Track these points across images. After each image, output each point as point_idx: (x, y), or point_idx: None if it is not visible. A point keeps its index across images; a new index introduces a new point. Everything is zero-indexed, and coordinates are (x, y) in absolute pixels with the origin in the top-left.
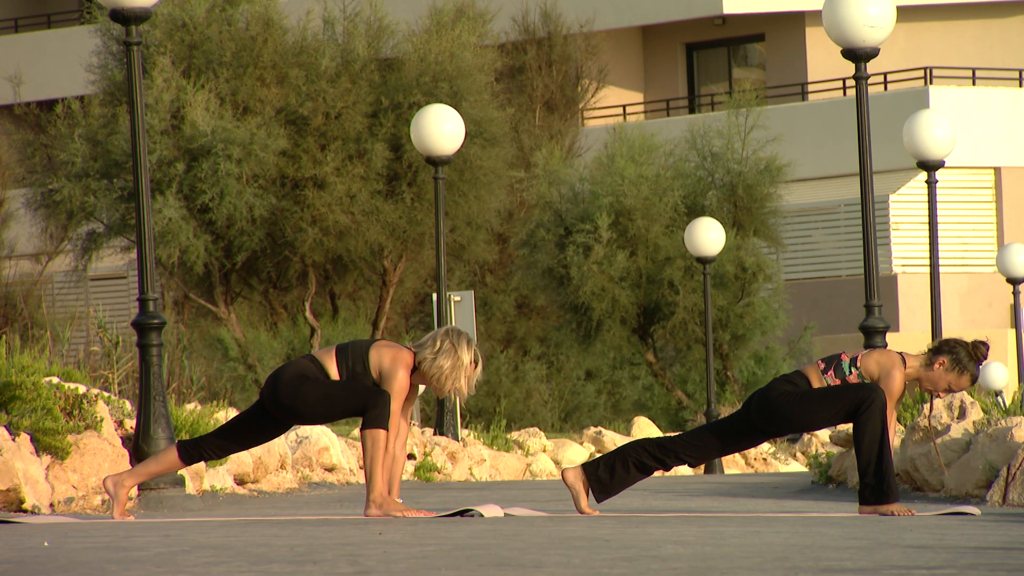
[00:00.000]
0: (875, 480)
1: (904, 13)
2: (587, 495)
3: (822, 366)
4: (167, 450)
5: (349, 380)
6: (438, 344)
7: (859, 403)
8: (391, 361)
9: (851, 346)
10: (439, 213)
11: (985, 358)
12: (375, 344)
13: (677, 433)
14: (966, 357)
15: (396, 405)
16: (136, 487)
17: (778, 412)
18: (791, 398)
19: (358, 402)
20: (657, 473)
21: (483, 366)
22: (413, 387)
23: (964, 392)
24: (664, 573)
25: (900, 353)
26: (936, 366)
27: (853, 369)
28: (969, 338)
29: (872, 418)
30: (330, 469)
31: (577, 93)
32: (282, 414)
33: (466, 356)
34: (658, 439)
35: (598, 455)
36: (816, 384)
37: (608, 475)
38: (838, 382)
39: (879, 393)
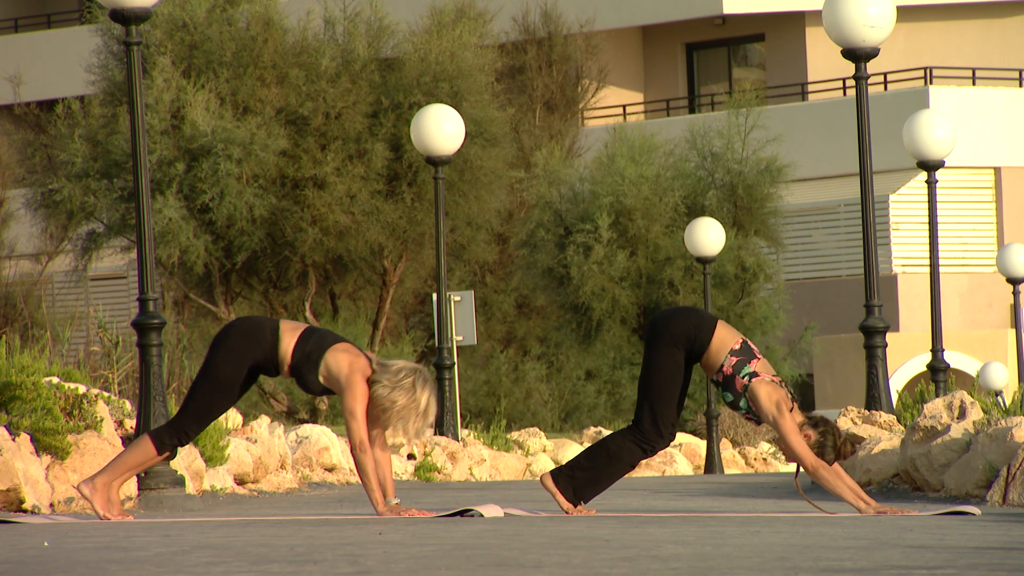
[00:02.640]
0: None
1: (904, 13)
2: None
3: (737, 347)
4: (140, 440)
5: (295, 364)
6: (400, 376)
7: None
8: (348, 368)
9: (851, 347)
10: (439, 213)
11: (847, 457)
12: (333, 348)
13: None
14: (830, 447)
15: (360, 410)
16: (137, 486)
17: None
18: (656, 362)
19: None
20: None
21: (433, 423)
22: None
23: (964, 392)
24: (664, 573)
25: (789, 391)
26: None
27: (747, 379)
28: (966, 340)
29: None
30: (330, 469)
31: (577, 93)
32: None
33: (423, 401)
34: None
35: None
36: (718, 338)
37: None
38: (730, 372)
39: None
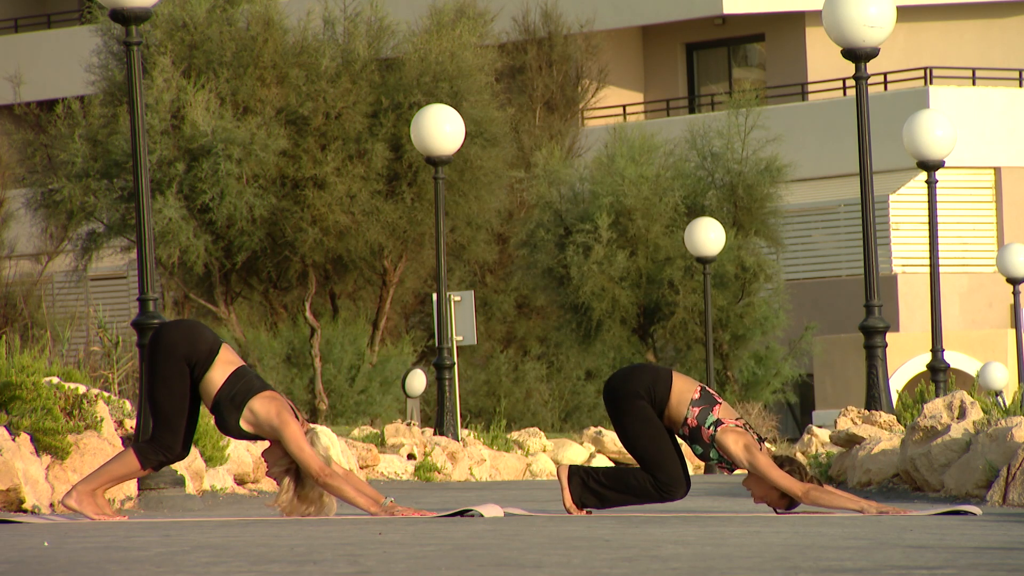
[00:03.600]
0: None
1: (904, 13)
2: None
3: (696, 396)
4: (124, 453)
5: (216, 403)
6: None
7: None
8: (276, 411)
9: (851, 347)
10: (439, 213)
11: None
12: (261, 395)
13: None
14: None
15: (304, 442)
16: (137, 486)
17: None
18: (634, 425)
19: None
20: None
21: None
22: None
23: (964, 392)
24: (664, 573)
25: (755, 434)
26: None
27: (713, 429)
28: (966, 340)
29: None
30: None
31: (577, 93)
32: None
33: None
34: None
35: (598, 455)
36: (676, 392)
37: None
38: (695, 424)
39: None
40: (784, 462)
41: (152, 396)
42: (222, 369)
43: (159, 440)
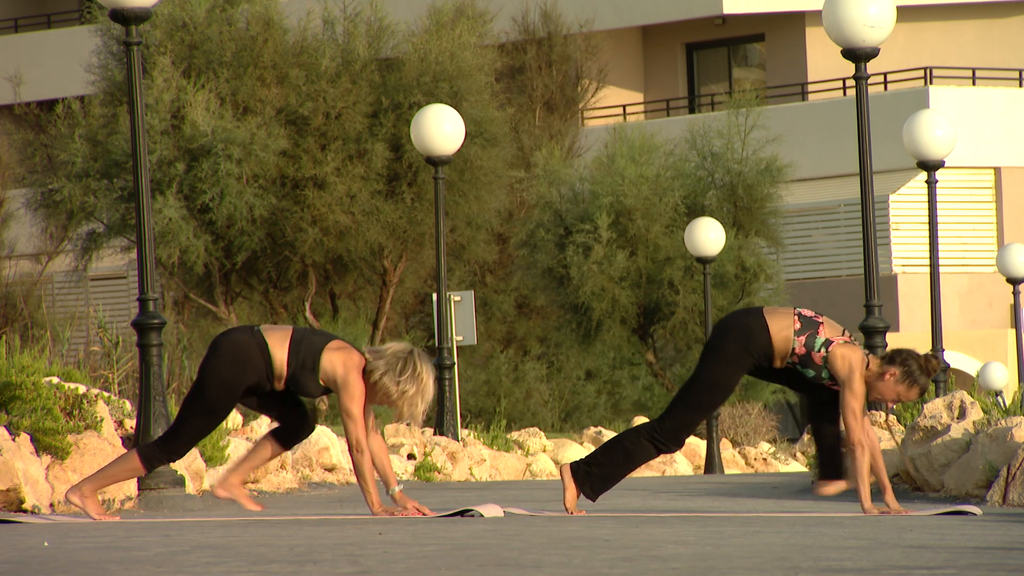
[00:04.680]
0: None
1: (904, 13)
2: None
3: (797, 325)
4: (129, 455)
5: (292, 375)
6: (403, 364)
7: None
8: (343, 368)
9: None
10: (439, 213)
11: (936, 372)
12: (328, 347)
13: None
14: (917, 370)
15: (358, 410)
16: (137, 486)
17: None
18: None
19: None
20: (649, 472)
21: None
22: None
23: (964, 392)
24: (664, 573)
25: (866, 353)
26: (887, 376)
27: (822, 349)
28: (966, 340)
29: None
30: (330, 469)
31: (577, 93)
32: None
33: (429, 385)
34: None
35: None
36: (779, 339)
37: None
38: (803, 351)
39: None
40: (894, 357)
41: (191, 415)
42: (279, 350)
43: (173, 450)
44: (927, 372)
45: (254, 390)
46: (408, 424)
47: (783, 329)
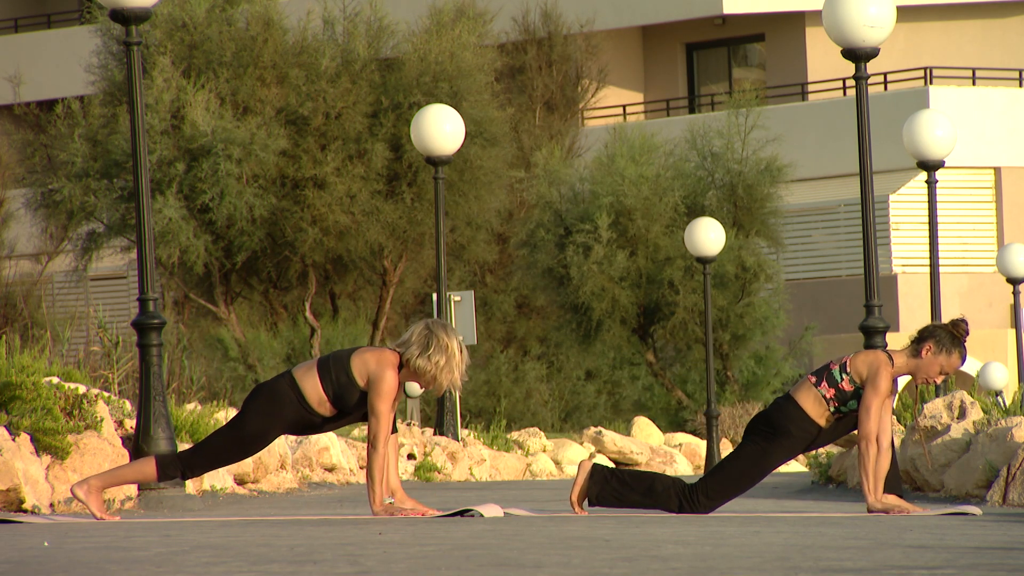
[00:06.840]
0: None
1: (904, 13)
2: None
3: (813, 379)
4: (146, 460)
5: (335, 395)
6: (426, 341)
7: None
8: (376, 364)
9: (851, 346)
10: (439, 213)
11: (967, 333)
12: (356, 352)
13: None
14: (948, 337)
15: (385, 408)
16: (137, 486)
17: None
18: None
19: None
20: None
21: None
22: (400, 387)
23: (964, 392)
24: (664, 573)
25: (887, 352)
26: (924, 353)
27: (844, 375)
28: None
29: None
30: (330, 469)
31: (577, 93)
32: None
33: (455, 346)
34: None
35: (598, 455)
36: (810, 405)
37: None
38: (832, 392)
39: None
40: (924, 335)
41: (221, 440)
42: (312, 382)
43: (191, 466)
44: (959, 335)
45: (305, 425)
46: (409, 424)
47: (809, 399)
